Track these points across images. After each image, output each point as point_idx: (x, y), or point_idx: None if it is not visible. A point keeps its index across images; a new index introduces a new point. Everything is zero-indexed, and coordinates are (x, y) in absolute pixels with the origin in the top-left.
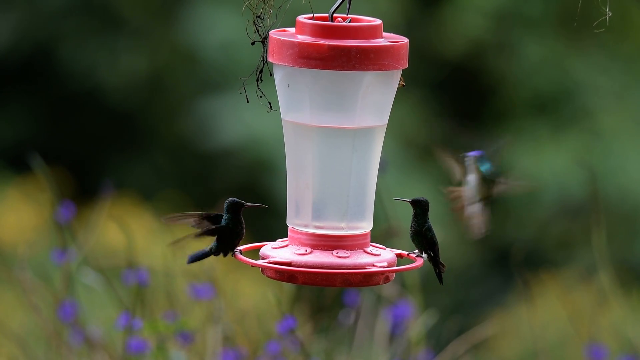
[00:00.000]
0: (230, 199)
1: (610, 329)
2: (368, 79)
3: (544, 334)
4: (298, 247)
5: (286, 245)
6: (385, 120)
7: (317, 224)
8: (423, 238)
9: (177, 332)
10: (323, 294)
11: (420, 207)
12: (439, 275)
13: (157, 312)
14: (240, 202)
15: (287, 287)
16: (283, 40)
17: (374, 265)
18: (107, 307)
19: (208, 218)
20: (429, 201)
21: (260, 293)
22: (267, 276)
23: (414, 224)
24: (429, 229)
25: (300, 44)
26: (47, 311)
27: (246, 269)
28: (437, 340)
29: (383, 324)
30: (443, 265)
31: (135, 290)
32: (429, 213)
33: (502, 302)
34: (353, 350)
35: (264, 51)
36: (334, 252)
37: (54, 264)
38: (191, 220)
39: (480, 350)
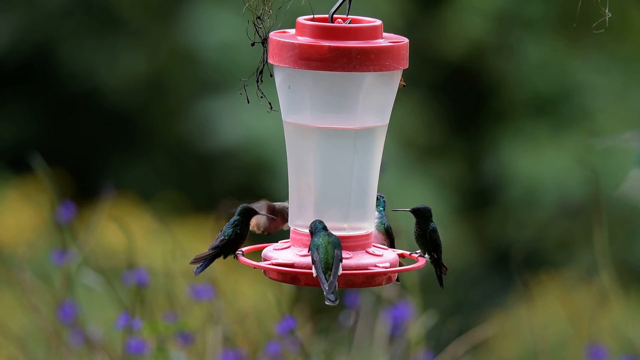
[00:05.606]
0: (244, 205)
1: (610, 329)
2: (369, 79)
3: (544, 334)
4: (300, 249)
5: (288, 247)
6: (386, 120)
7: None
8: (427, 240)
9: (177, 332)
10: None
11: (421, 215)
12: (440, 278)
13: (157, 312)
14: (252, 210)
15: (287, 288)
16: (283, 41)
17: (376, 266)
18: (107, 307)
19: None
20: (430, 207)
21: (260, 294)
22: (270, 278)
23: (417, 229)
24: (434, 231)
25: (300, 45)
26: (47, 312)
27: (246, 270)
28: (437, 341)
29: (383, 325)
30: (446, 268)
31: (135, 290)
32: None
33: (502, 302)
34: (353, 351)
35: (264, 52)
36: None
37: (54, 265)
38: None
39: (480, 351)
